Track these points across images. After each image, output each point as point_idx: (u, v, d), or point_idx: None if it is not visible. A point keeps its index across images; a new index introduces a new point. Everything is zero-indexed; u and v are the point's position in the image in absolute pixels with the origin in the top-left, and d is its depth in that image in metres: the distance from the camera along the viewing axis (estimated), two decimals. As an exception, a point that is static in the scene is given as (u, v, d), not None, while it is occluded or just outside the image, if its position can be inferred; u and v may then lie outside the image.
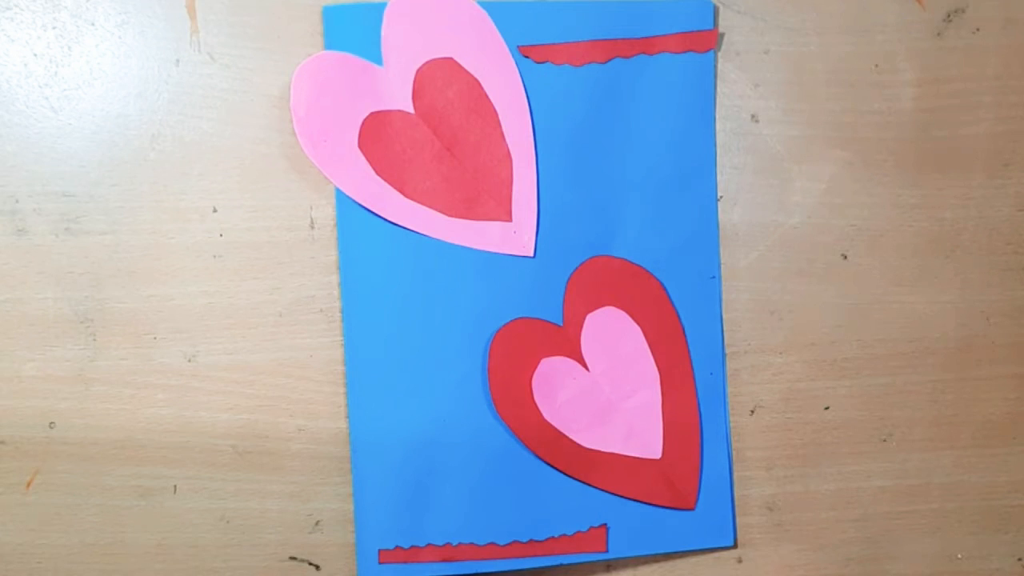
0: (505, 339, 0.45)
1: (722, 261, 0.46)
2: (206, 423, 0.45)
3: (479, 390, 0.45)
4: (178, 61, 0.44)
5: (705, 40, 0.45)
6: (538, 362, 0.45)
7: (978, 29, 0.47)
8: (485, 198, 0.45)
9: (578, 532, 0.46)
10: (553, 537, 0.46)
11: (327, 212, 0.45)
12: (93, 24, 0.44)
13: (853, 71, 0.46)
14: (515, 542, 0.45)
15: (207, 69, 0.44)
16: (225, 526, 0.45)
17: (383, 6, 0.44)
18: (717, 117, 0.46)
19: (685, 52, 0.45)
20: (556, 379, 0.46)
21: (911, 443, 0.48)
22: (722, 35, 0.46)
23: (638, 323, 0.46)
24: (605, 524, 0.46)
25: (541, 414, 0.45)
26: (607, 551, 0.46)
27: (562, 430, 0.46)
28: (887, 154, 0.47)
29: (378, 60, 0.44)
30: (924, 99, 0.47)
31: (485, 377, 0.45)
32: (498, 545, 0.45)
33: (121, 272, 0.44)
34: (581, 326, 0.46)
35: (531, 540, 0.45)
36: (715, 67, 0.46)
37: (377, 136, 0.44)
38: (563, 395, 0.46)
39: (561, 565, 0.46)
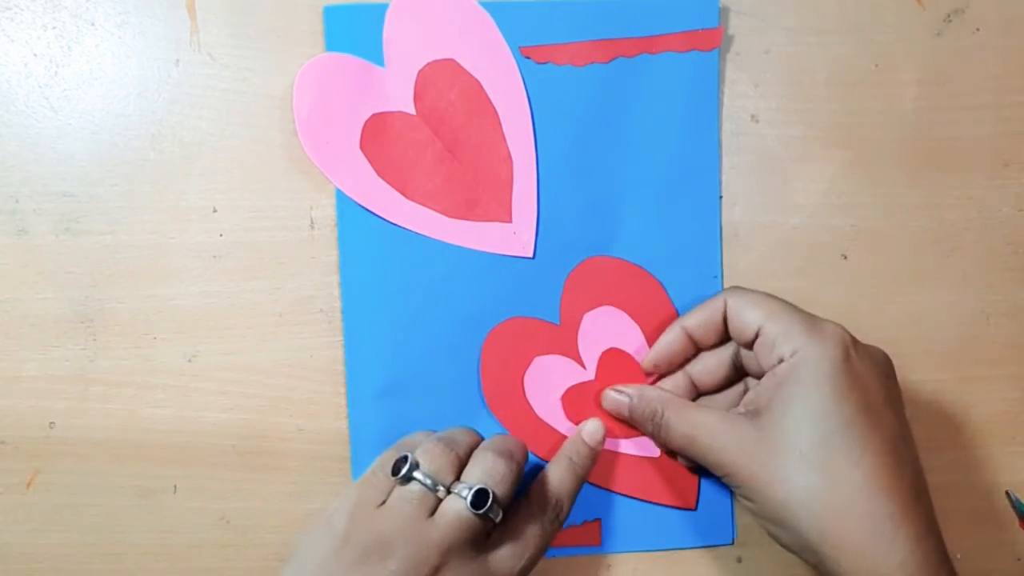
0: (498, 338, 0.45)
1: (722, 261, 0.46)
2: (206, 423, 0.45)
3: (475, 390, 0.45)
4: (178, 61, 0.44)
5: (710, 39, 0.45)
6: (531, 360, 0.45)
7: (978, 29, 0.47)
8: (486, 199, 0.45)
9: (572, 525, 0.46)
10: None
11: (327, 212, 0.45)
12: (93, 24, 0.44)
13: (853, 71, 0.47)
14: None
15: (207, 69, 0.44)
16: (225, 526, 0.45)
17: (385, 7, 0.44)
18: (719, 116, 0.46)
19: (689, 51, 0.45)
20: (550, 377, 0.46)
21: (911, 443, 0.48)
22: (725, 35, 0.46)
23: (637, 322, 0.46)
24: (599, 519, 0.46)
25: (534, 411, 0.45)
26: (600, 545, 0.46)
27: (557, 428, 0.46)
28: (887, 154, 0.47)
29: (380, 61, 0.44)
30: (924, 99, 0.47)
31: (479, 376, 0.45)
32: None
33: (121, 272, 0.44)
34: (578, 325, 0.46)
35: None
36: (720, 66, 0.46)
37: (379, 137, 0.44)
38: (558, 393, 0.46)
39: (561, 560, 0.46)
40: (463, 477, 0.39)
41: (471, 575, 0.38)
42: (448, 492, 0.39)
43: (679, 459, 0.45)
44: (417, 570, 0.37)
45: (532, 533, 0.40)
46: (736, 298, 0.41)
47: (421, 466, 0.39)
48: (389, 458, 0.40)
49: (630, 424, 0.45)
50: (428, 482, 0.39)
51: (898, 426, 0.39)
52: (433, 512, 0.38)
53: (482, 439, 0.43)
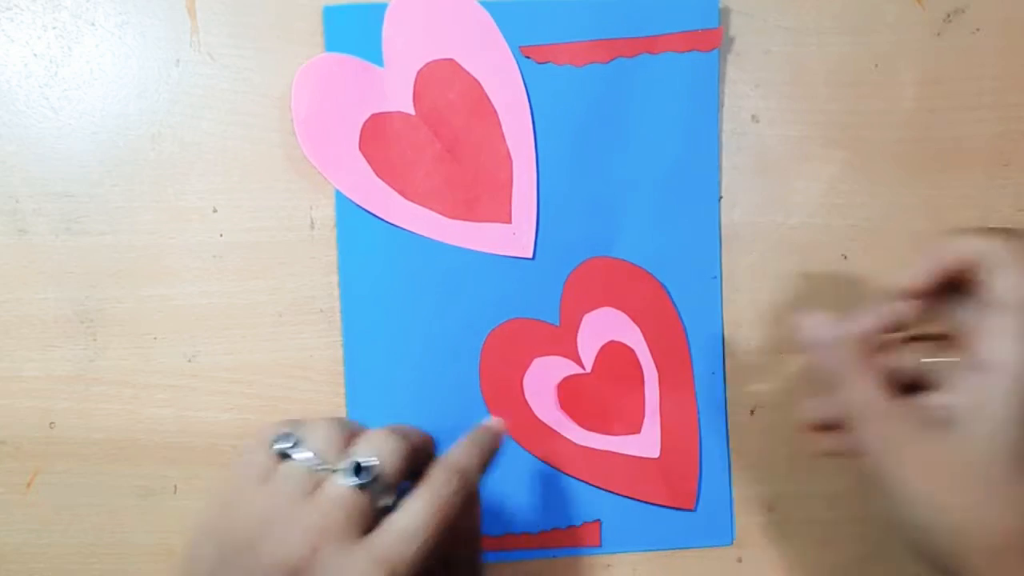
0: (498, 339, 0.45)
1: (722, 261, 0.46)
2: (206, 423, 0.45)
3: (474, 390, 0.45)
4: (178, 61, 0.44)
5: (710, 39, 0.45)
6: (531, 361, 0.45)
7: (978, 29, 0.47)
8: (485, 200, 0.45)
9: (571, 526, 0.46)
10: (545, 531, 0.46)
11: (327, 212, 0.45)
12: (93, 24, 0.44)
13: (853, 71, 0.46)
14: (508, 534, 0.46)
15: (207, 69, 0.44)
16: (225, 526, 0.45)
17: (384, 7, 0.44)
18: (719, 116, 0.46)
19: (689, 51, 0.45)
20: (550, 378, 0.46)
21: (911, 443, 0.47)
22: (725, 35, 0.46)
23: (637, 323, 0.46)
24: (599, 520, 0.46)
25: (533, 412, 0.46)
26: (600, 545, 0.46)
27: (557, 428, 0.46)
28: (887, 154, 0.47)
29: (379, 61, 0.44)
30: (924, 99, 0.47)
31: (479, 377, 0.45)
32: (493, 537, 0.45)
33: (121, 272, 0.44)
34: (578, 326, 0.46)
35: (524, 533, 0.46)
36: (720, 66, 0.46)
37: (378, 138, 0.44)
38: (558, 394, 0.46)
39: (561, 560, 0.46)
40: (348, 452, 0.35)
41: (352, 558, 0.33)
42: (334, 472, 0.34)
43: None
44: (289, 557, 0.32)
45: (428, 511, 0.34)
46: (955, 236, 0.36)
47: (305, 443, 0.35)
48: (270, 433, 0.36)
49: (630, 421, 0.45)
50: (310, 459, 0.34)
51: None
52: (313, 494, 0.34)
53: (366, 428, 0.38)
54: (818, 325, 0.38)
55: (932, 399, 0.37)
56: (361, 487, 0.33)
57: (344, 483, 0.33)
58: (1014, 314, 0.34)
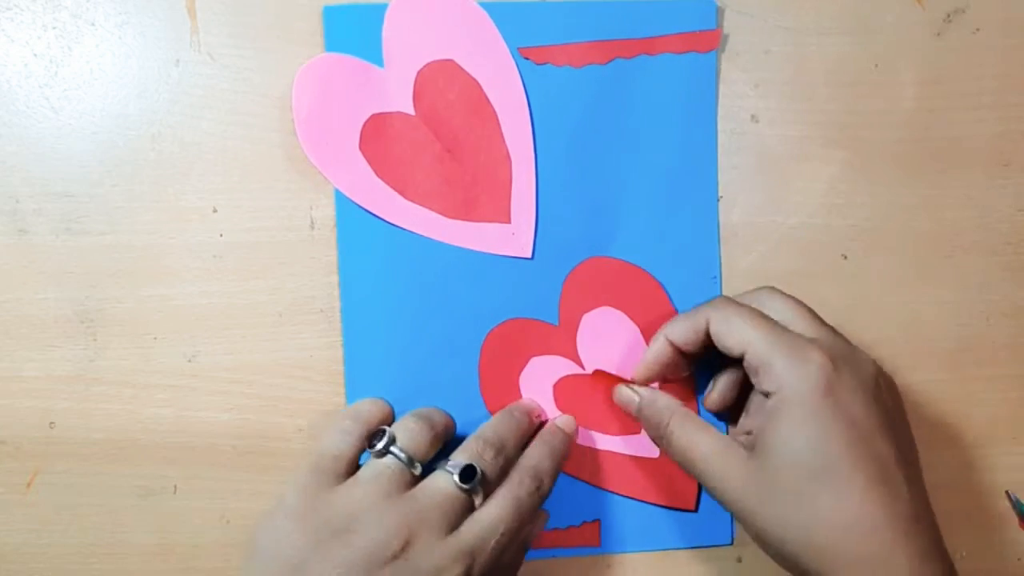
0: (497, 339, 0.45)
1: (722, 261, 0.46)
2: (206, 423, 0.45)
3: (474, 390, 0.45)
4: (178, 61, 0.44)
5: (708, 40, 0.45)
6: (527, 361, 0.45)
7: (978, 29, 0.47)
8: (484, 200, 0.45)
9: (571, 526, 0.46)
10: (545, 531, 0.46)
11: (327, 212, 0.45)
12: (93, 24, 0.44)
13: (853, 71, 0.47)
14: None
15: (207, 69, 0.44)
16: (225, 526, 0.45)
17: (384, 7, 0.44)
18: (717, 117, 0.46)
19: (687, 52, 0.45)
20: (547, 377, 0.46)
21: (911, 443, 0.47)
22: (724, 35, 0.46)
23: (636, 323, 0.46)
24: (599, 520, 0.46)
25: (533, 413, 0.46)
26: (600, 546, 0.46)
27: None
28: (887, 154, 0.47)
29: (379, 61, 0.44)
30: (924, 99, 0.47)
31: (478, 376, 0.45)
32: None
33: (121, 272, 0.44)
34: (577, 326, 0.46)
35: (524, 533, 0.46)
36: (717, 67, 0.46)
37: (378, 138, 0.44)
38: (555, 393, 0.46)
39: (561, 560, 0.46)
40: (451, 458, 0.39)
41: (441, 550, 0.36)
42: (423, 469, 0.38)
43: None
44: (385, 546, 0.35)
45: (508, 507, 0.39)
46: (718, 320, 0.40)
47: (398, 441, 0.39)
48: (348, 428, 0.40)
49: (629, 421, 0.45)
50: (404, 457, 0.38)
51: (890, 450, 0.37)
52: (406, 489, 0.38)
53: (454, 422, 0.43)
54: (628, 392, 0.44)
55: (740, 423, 0.41)
56: (464, 489, 0.37)
57: (449, 482, 0.37)
58: (794, 404, 0.37)
